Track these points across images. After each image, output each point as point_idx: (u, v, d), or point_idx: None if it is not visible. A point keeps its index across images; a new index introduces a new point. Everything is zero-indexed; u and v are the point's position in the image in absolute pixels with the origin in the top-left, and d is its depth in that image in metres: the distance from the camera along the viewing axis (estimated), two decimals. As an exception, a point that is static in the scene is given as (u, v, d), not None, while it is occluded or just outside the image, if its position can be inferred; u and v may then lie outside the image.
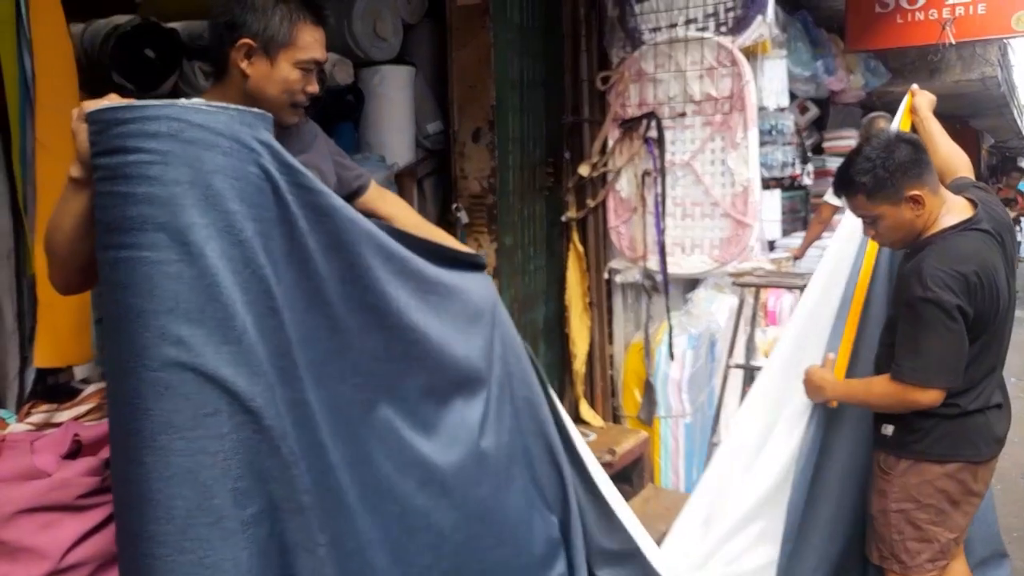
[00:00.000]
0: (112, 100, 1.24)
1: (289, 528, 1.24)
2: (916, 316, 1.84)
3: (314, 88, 1.55)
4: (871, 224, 1.98)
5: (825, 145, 7.12)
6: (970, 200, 1.97)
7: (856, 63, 6.51)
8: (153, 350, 1.13)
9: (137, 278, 1.14)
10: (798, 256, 5.04)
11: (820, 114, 6.78)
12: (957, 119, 10.56)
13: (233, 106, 1.23)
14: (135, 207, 1.14)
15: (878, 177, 1.88)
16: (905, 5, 5.20)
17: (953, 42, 4.76)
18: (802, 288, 3.05)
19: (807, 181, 6.10)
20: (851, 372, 2.17)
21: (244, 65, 1.48)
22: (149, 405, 1.14)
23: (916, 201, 1.88)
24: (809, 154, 6.41)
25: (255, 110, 1.26)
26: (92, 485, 1.43)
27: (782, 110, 4.23)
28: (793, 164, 4.85)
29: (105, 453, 1.50)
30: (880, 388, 1.95)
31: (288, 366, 1.27)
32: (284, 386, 1.26)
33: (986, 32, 4.98)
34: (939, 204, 1.92)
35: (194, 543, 1.14)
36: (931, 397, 1.85)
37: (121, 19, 2.38)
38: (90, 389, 1.67)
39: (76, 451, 1.52)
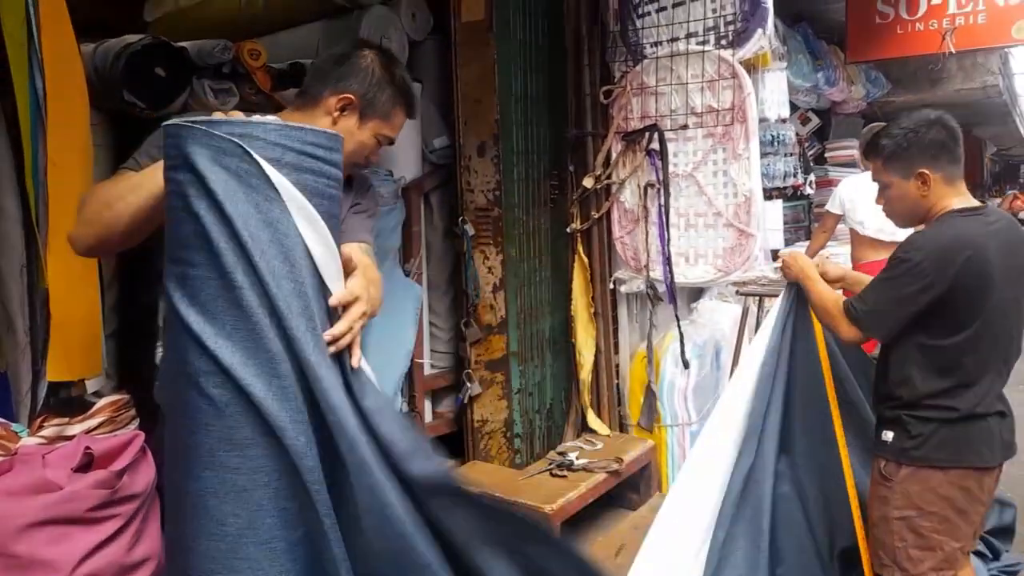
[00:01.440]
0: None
1: (326, 553, 1.23)
2: (888, 268, 1.95)
3: (376, 158, 1.70)
4: (882, 191, 2.08)
5: (827, 155, 7.15)
6: (983, 202, 2.03)
7: (857, 74, 6.55)
8: (213, 371, 1.16)
9: (203, 299, 1.17)
10: (802, 266, 5.05)
11: (821, 124, 6.81)
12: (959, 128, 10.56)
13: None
14: (205, 226, 1.17)
15: (898, 146, 1.98)
16: (905, 16, 5.23)
17: (953, 52, 4.79)
18: (806, 297, 3.09)
19: (809, 191, 6.13)
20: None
21: (335, 114, 1.60)
22: (210, 420, 1.16)
23: (923, 180, 1.96)
24: (811, 164, 6.44)
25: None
26: (103, 498, 1.45)
27: (783, 121, 4.26)
28: (795, 174, 4.87)
29: (116, 465, 1.52)
30: (829, 301, 2.08)
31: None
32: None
33: (986, 41, 5.01)
34: (950, 193, 1.97)
35: (244, 562, 1.15)
36: (850, 333, 2.00)
37: (132, 38, 2.42)
38: (101, 402, 1.69)
39: (87, 464, 1.54)
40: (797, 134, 5.73)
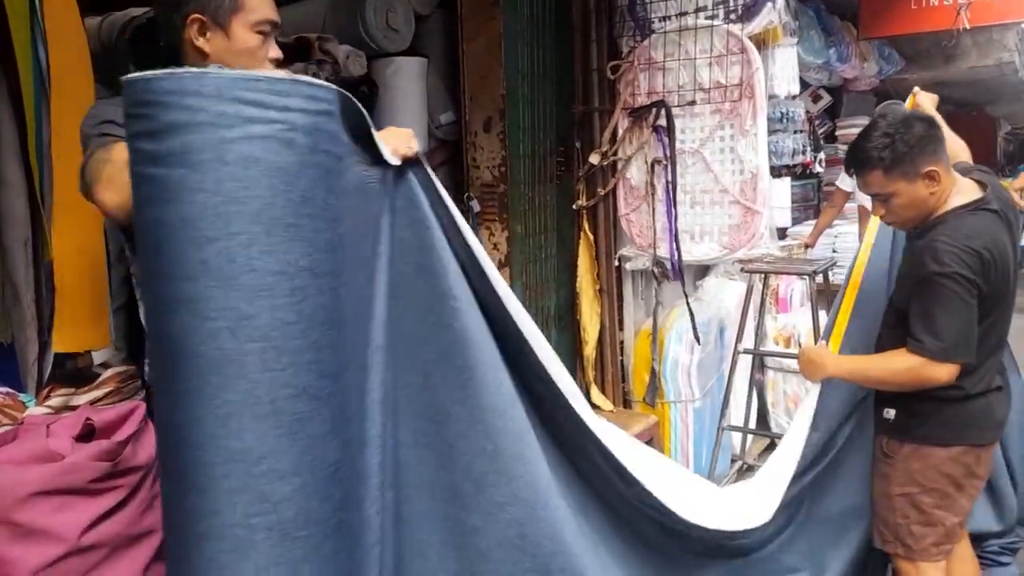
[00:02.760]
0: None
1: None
2: (932, 292, 1.82)
3: (277, 53, 1.48)
4: (883, 202, 1.95)
5: (838, 133, 7.06)
6: (978, 181, 1.98)
7: (870, 50, 6.45)
8: None
9: None
10: (810, 244, 5.03)
11: (833, 102, 6.72)
12: (973, 106, 10.42)
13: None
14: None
15: (897, 152, 1.86)
16: (920, -10, 5.15)
17: (968, 27, 4.71)
18: (811, 275, 3.07)
19: (819, 169, 6.07)
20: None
21: (201, 43, 1.42)
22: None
23: (932, 178, 1.87)
24: (822, 142, 6.38)
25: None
26: (104, 469, 1.46)
27: (793, 98, 4.21)
28: (804, 152, 4.82)
29: (118, 435, 1.54)
30: (896, 363, 1.91)
31: None
32: None
33: (1003, 16, 4.93)
34: (951, 183, 1.92)
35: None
36: (949, 372, 1.83)
37: (137, 11, 2.42)
38: (108, 373, 1.71)
39: (89, 434, 1.55)
40: (807, 112, 5.66)
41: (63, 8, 1.85)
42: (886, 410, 2.04)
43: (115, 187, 1.31)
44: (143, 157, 1.04)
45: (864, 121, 6.83)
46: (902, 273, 2.02)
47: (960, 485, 1.96)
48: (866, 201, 4.48)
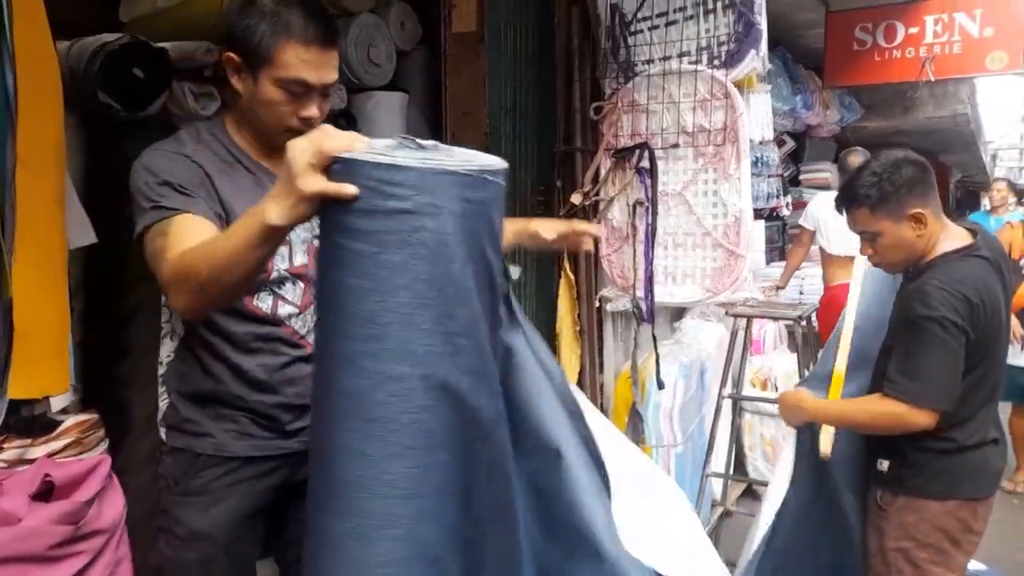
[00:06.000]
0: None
1: None
2: (917, 335, 1.81)
3: (311, 112, 1.39)
4: (870, 241, 1.96)
5: (802, 177, 7.24)
6: (968, 229, 1.98)
7: (831, 99, 6.65)
8: None
9: None
10: (781, 286, 5.07)
11: (796, 147, 6.90)
12: (928, 154, 10.78)
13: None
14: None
15: (883, 191, 1.88)
16: (883, 43, 5.32)
17: (932, 79, 4.86)
18: (796, 320, 3.06)
19: (786, 212, 6.18)
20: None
21: (235, 81, 1.40)
22: None
23: (918, 220, 1.88)
24: (788, 186, 6.50)
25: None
26: (67, 534, 1.32)
27: (766, 143, 4.27)
28: (778, 195, 4.89)
29: (80, 495, 1.41)
30: (875, 407, 1.89)
31: None
32: None
33: (962, 71, 5.11)
34: (940, 228, 1.92)
35: None
36: (927, 419, 1.81)
37: (109, 37, 2.31)
38: (69, 422, 1.57)
39: (47, 491, 1.41)
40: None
41: (34, 30, 1.74)
42: (880, 461, 2.01)
43: (187, 289, 1.21)
44: (337, 227, 1.01)
45: (826, 166, 7.06)
46: (893, 318, 2.01)
47: (956, 541, 1.93)
48: (825, 244, 4.54)
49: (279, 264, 1.44)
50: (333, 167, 1.00)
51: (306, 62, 1.35)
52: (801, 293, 5.59)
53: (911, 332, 1.84)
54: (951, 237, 1.94)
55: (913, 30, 5.18)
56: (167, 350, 1.56)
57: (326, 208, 1.01)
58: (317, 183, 0.99)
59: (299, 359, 1.46)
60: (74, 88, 2.23)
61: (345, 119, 2.98)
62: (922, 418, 1.82)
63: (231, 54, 1.39)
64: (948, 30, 5.07)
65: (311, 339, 1.45)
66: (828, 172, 7.05)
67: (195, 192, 1.34)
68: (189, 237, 1.25)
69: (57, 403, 1.74)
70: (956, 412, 1.86)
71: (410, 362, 0.98)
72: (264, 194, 1.14)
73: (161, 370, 1.57)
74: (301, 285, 1.47)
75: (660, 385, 3.06)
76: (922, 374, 1.81)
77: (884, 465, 1.98)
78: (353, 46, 2.90)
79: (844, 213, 2.04)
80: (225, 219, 1.37)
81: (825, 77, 5.67)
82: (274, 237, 1.11)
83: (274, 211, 1.06)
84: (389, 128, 3.05)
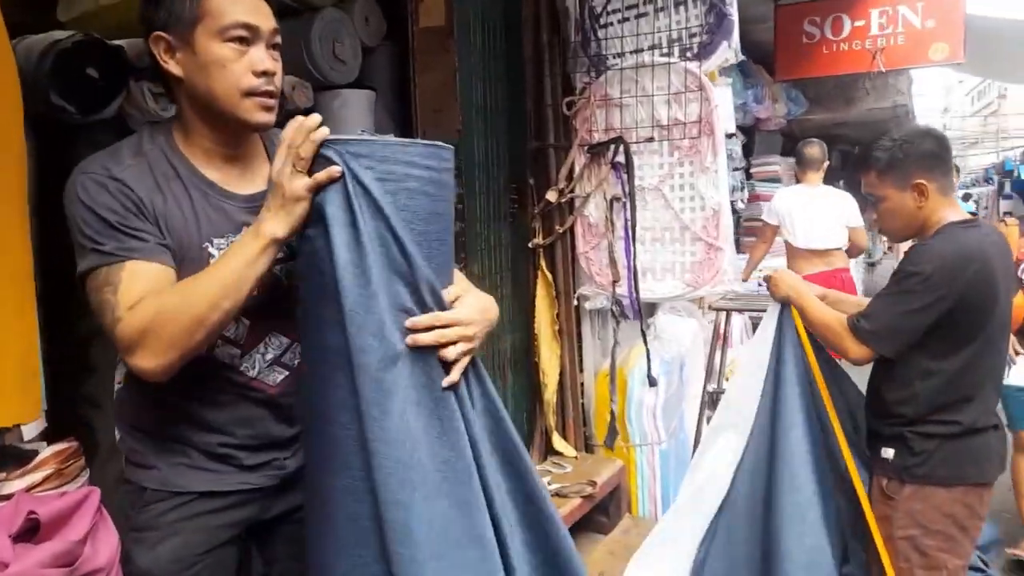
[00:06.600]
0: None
1: None
2: (895, 281, 1.91)
3: (265, 64, 1.24)
4: (874, 204, 2.05)
5: (753, 171, 7.34)
6: (972, 214, 2.04)
7: (779, 93, 6.77)
8: None
9: None
10: (744, 279, 5.12)
11: (746, 141, 7.00)
12: (868, 144, 11.14)
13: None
14: None
15: (893, 157, 1.96)
16: (830, 36, 5.42)
17: (883, 70, 4.98)
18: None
19: (741, 205, 6.26)
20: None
21: (171, 66, 1.23)
22: None
23: (920, 191, 1.93)
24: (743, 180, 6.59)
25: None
26: (60, 577, 1.20)
27: (730, 136, 4.30)
28: (741, 188, 4.94)
29: (71, 531, 1.28)
30: (829, 318, 2.05)
31: None
32: None
33: (907, 62, 5.25)
34: (945, 204, 1.97)
35: None
36: (859, 352, 1.95)
37: (60, 34, 2.15)
38: (46, 451, 1.43)
39: (31, 529, 1.28)
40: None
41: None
42: (884, 449, 2.02)
43: (160, 346, 1.12)
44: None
45: (776, 159, 7.18)
46: None
47: (964, 527, 1.94)
48: (790, 237, 4.61)
49: None
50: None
51: (238, 3, 1.23)
52: (760, 285, 5.67)
53: (894, 280, 1.93)
54: (956, 213, 1.97)
55: (859, 23, 5.29)
56: (120, 374, 1.39)
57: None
58: (306, 182, 1.10)
59: (249, 400, 1.33)
60: (23, 90, 2.07)
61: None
62: (859, 352, 1.95)
63: (157, 34, 1.23)
64: (892, 22, 5.20)
65: (269, 379, 1.34)
66: (778, 165, 7.17)
67: (139, 229, 1.19)
68: (144, 288, 1.15)
69: (28, 432, 1.59)
70: (955, 390, 1.89)
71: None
72: (202, 213, 1.24)
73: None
74: (245, 323, 1.31)
75: (652, 382, 3.04)
76: (880, 316, 1.92)
77: (889, 453, 1.99)
78: (318, 41, 2.77)
79: (858, 173, 2.12)
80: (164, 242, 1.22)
81: (776, 70, 5.75)
82: (275, 250, 1.16)
83: (274, 224, 1.13)
84: (357, 127, 2.95)
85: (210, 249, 1.26)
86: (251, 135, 1.35)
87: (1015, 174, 11.42)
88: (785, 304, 2.23)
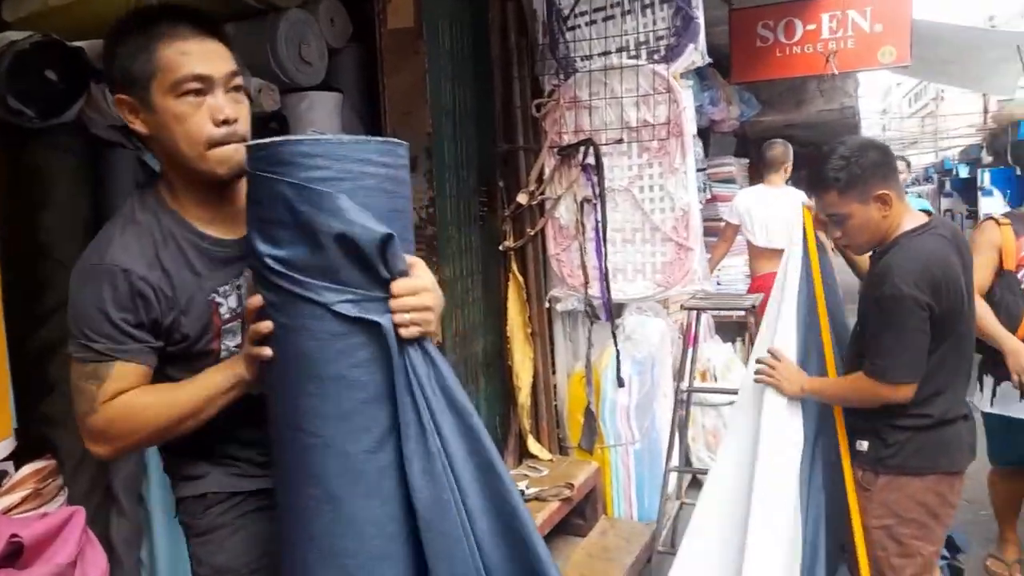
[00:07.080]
0: None
1: None
2: (886, 313, 1.92)
3: (225, 112, 1.22)
4: (839, 224, 2.04)
5: (708, 172, 7.47)
6: (923, 211, 2.09)
7: (733, 95, 6.90)
8: None
9: None
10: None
11: (701, 142, 7.11)
12: (816, 146, 11.46)
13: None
14: None
15: (851, 174, 1.96)
16: (783, 40, 5.54)
17: (837, 72, 5.11)
18: (747, 310, 3.12)
19: (699, 206, 6.35)
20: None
21: (137, 125, 1.24)
22: None
23: (884, 201, 1.97)
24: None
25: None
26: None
27: (694, 137, 4.36)
28: (705, 189, 5.01)
29: (57, 554, 1.23)
30: (854, 385, 2.02)
31: None
32: None
33: (857, 65, 5.40)
34: (904, 209, 2.01)
35: None
36: (902, 393, 1.93)
37: (16, 35, 2.07)
38: (24, 471, 1.37)
39: (14, 553, 1.22)
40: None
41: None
42: (858, 442, 2.07)
43: (117, 443, 1.25)
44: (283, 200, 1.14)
45: (730, 160, 7.32)
46: (863, 295, 2.09)
47: (936, 515, 2.00)
48: (751, 236, 4.70)
49: (227, 342, 1.32)
50: (256, 154, 1.13)
51: (189, 54, 1.21)
52: (719, 284, 5.77)
53: (880, 311, 1.93)
54: (911, 218, 2.02)
55: (811, 27, 5.42)
56: None
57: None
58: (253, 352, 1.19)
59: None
60: (-24, 92, 1.98)
61: (278, 122, 2.80)
62: (899, 393, 1.93)
63: (120, 96, 1.24)
64: (842, 26, 5.34)
65: None
66: (732, 166, 7.31)
67: (133, 327, 1.23)
68: (123, 386, 1.23)
69: (0, 451, 1.52)
70: (928, 385, 1.94)
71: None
72: (203, 269, 1.28)
73: None
74: None
75: (620, 383, 3.05)
76: (894, 352, 1.90)
77: (863, 446, 2.04)
78: (283, 43, 2.72)
79: (813, 198, 2.10)
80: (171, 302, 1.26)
81: (732, 73, 5.86)
82: (244, 387, 1.25)
83: (244, 367, 1.23)
84: (326, 130, 2.89)
85: (217, 299, 1.30)
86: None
87: (954, 173, 11.87)
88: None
